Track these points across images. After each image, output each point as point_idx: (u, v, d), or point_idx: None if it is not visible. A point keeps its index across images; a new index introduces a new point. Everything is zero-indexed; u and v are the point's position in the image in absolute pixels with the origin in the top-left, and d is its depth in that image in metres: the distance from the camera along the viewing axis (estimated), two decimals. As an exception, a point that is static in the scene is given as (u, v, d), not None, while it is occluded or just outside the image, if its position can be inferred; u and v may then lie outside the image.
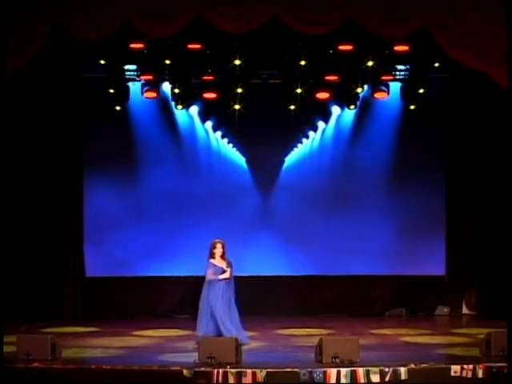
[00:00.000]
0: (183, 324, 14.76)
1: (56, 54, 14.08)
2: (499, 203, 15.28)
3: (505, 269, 15.08)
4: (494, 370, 10.00)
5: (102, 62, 14.84)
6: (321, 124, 16.32)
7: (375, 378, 9.95)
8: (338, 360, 10.23)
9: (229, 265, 11.96)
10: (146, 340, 13.12)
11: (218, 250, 12.00)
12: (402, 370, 10.01)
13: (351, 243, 16.05)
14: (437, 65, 15.14)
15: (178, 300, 16.19)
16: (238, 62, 14.45)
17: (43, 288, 15.26)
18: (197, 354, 10.44)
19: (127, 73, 15.44)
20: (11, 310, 14.32)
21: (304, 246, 16.13)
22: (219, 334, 11.64)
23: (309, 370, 9.96)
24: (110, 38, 12.65)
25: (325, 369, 10.01)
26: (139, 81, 15.48)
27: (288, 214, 16.27)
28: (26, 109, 14.94)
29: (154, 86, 15.37)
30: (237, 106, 15.19)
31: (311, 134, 16.35)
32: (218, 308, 11.79)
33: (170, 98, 15.62)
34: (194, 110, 16.09)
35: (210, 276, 11.89)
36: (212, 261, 11.97)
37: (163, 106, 16.04)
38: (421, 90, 15.27)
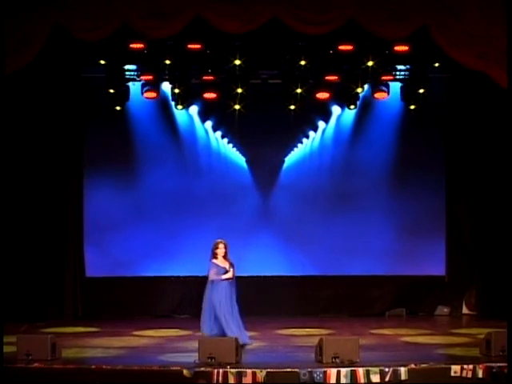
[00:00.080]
0: (183, 324, 14.77)
1: (56, 54, 14.08)
2: (499, 203, 15.27)
3: (505, 269, 15.07)
4: (494, 370, 10.00)
5: (102, 61, 14.84)
6: (321, 124, 16.32)
7: (375, 378, 9.95)
8: (338, 360, 10.23)
9: (231, 265, 11.96)
10: (146, 340, 13.12)
11: (221, 250, 11.98)
12: (402, 370, 10.01)
13: (351, 243, 16.05)
14: (437, 65, 15.15)
15: (178, 300, 16.19)
16: (238, 62, 14.45)
17: (43, 288, 15.27)
18: (197, 353, 10.44)
19: (127, 73, 15.45)
20: (11, 309, 14.32)
21: (304, 246, 16.13)
22: (223, 334, 11.63)
23: (309, 370, 9.96)
24: (110, 38, 12.66)
25: (325, 369, 10.01)
26: (139, 81, 15.48)
27: (288, 213, 16.27)
28: (26, 109, 14.95)
29: (153, 86, 15.37)
30: (237, 106, 15.19)
31: (311, 133, 16.35)
32: (223, 308, 11.77)
33: (170, 97, 15.62)
34: (194, 109, 16.09)
35: (212, 276, 11.88)
36: (215, 261, 11.96)
37: (163, 106, 16.04)
38: (421, 90, 15.28)
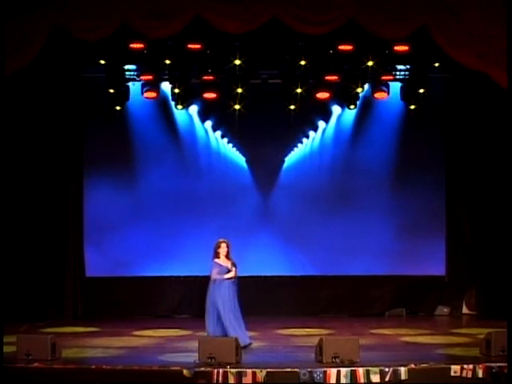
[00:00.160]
0: (183, 324, 14.79)
1: (56, 54, 14.08)
2: (499, 203, 15.28)
3: (505, 269, 15.07)
4: (494, 370, 10.00)
5: (102, 61, 14.84)
6: (321, 124, 16.32)
7: (375, 378, 9.95)
8: (338, 360, 10.23)
9: (233, 264, 11.96)
10: (146, 340, 13.12)
11: (223, 250, 11.99)
12: (402, 369, 10.01)
13: (351, 243, 16.05)
14: (437, 65, 15.14)
15: (178, 300, 16.20)
16: (238, 62, 14.45)
17: (43, 288, 15.27)
18: (197, 353, 10.44)
19: (127, 73, 15.45)
20: (11, 309, 14.31)
21: (304, 246, 16.13)
22: (226, 334, 11.62)
23: (309, 369, 9.96)
24: (110, 38, 12.65)
25: (325, 369, 10.01)
26: (139, 81, 15.48)
27: (288, 213, 16.27)
28: (26, 109, 14.95)
29: (153, 85, 15.37)
30: (237, 106, 15.19)
31: (311, 133, 16.35)
32: (226, 309, 11.78)
33: (170, 97, 15.62)
34: (194, 109, 16.09)
35: (215, 275, 11.88)
36: (217, 260, 11.96)
37: (163, 106, 16.04)
38: (421, 90, 15.27)
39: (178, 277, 16.08)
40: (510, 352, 9.97)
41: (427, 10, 11.86)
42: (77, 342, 12.48)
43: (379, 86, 15.39)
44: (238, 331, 11.67)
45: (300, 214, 16.23)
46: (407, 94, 15.55)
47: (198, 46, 14.18)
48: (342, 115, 16.25)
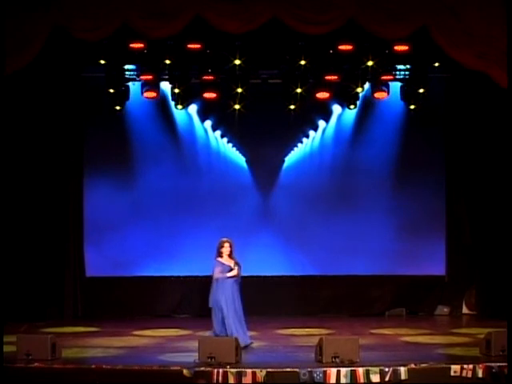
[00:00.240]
0: (183, 324, 14.79)
1: (56, 54, 14.07)
2: (499, 203, 15.27)
3: (505, 269, 15.07)
4: (494, 369, 10.00)
5: (102, 61, 14.83)
6: (321, 123, 16.32)
7: (375, 377, 9.95)
8: (337, 360, 10.23)
9: (236, 264, 11.96)
10: (146, 340, 13.12)
11: (226, 249, 11.99)
12: (402, 369, 10.01)
13: (351, 243, 16.04)
14: (437, 65, 15.14)
15: (178, 300, 16.20)
16: (238, 62, 14.44)
17: (43, 288, 15.27)
18: (197, 353, 10.44)
19: (127, 72, 15.44)
20: (11, 310, 14.30)
21: (304, 246, 16.13)
22: (228, 333, 11.62)
23: (309, 369, 9.97)
24: (110, 38, 12.65)
25: (325, 369, 10.02)
26: (139, 81, 15.48)
27: (288, 213, 16.26)
28: (26, 109, 14.95)
29: (153, 85, 15.36)
30: (237, 106, 15.19)
31: (311, 133, 16.34)
32: (229, 308, 11.78)
33: (170, 97, 15.61)
34: (193, 109, 16.08)
35: (217, 274, 11.89)
36: (219, 259, 11.97)
37: (163, 106, 16.04)
38: (421, 90, 15.27)
39: (178, 277, 16.08)
40: (510, 352, 9.98)
41: (427, 10, 11.86)
42: (77, 342, 12.48)
43: (379, 85, 15.37)
44: (239, 331, 11.67)
45: (300, 214, 16.22)
46: (407, 93, 15.54)
47: (198, 46, 14.18)
48: (342, 115, 16.25)
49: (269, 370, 9.96)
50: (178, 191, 16.17)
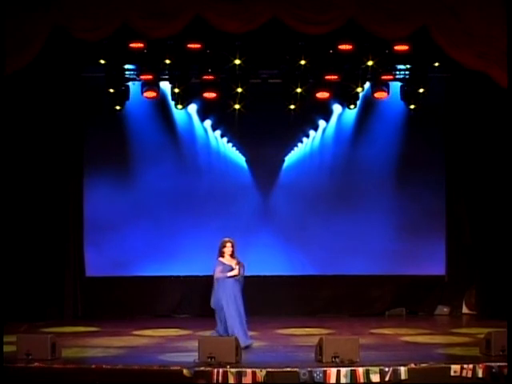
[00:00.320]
0: (183, 323, 14.79)
1: (56, 54, 14.07)
2: (499, 203, 15.27)
3: (505, 269, 15.08)
4: (494, 369, 10.00)
5: (102, 61, 14.83)
6: (321, 123, 16.32)
7: (375, 377, 9.95)
8: (337, 360, 10.23)
9: (238, 264, 11.95)
10: (146, 340, 13.12)
11: (228, 249, 11.99)
12: (402, 369, 10.01)
13: (351, 243, 16.04)
14: (437, 64, 15.14)
15: (178, 300, 16.20)
16: (237, 62, 14.45)
17: (43, 288, 15.27)
18: (197, 353, 10.44)
19: (127, 72, 15.44)
20: (11, 309, 14.30)
21: (304, 246, 16.13)
22: (229, 333, 11.62)
23: (309, 369, 9.97)
24: (110, 37, 12.65)
25: (325, 368, 10.02)
26: (139, 80, 15.48)
27: (288, 213, 16.26)
28: (26, 109, 14.95)
29: (153, 85, 15.36)
30: (237, 106, 15.19)
31: (311, 132, 16.34)
32: (230, 308, 11.78)
33: (170, 97, 15.61)
34: (193, 108, 16.08)
35: (218, 274, 11.89)
36: (221, 259, 11.97)
37: (162, 106, 16.04)
38: (421, 90, 15.27)
39: (178, 276, 16.08)
40: (510, 352, 9.98)
41: (427, 10, 11.86)
42: (77, 342, 12.48)
43: (379, 85, 15.37)
44: (240, 331, 11.66)
45: (300, 214, 16.22)
46: (407, 93, 15.54)
47: (198, 46, 14.18)
48: (343, 114, 16.24)
49: (269, 369, 9.96)
50: (177, 191, 16.16)
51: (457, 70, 13.94)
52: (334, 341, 10.53)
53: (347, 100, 15.66)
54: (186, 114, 16.16)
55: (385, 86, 15.37)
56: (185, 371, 9.96)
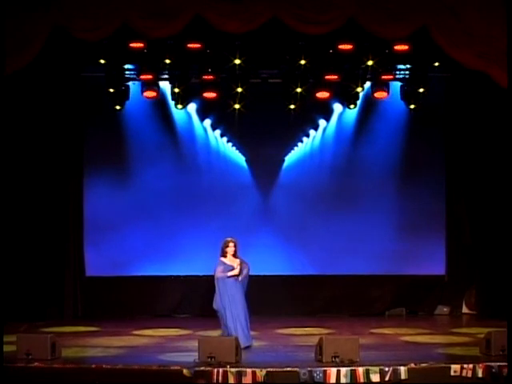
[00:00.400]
0: (183, 323, 14.79)
1: (56, 54, 14.07)
2: (499, 203, 15.27)
3: (505, 269, 15.08)
4: (494, 369, 10.00)
5: (102, 61, 14.83)
6: (322, 122, 16.31)
7: (375, 377, 9.96)
8: (337, 359, 10.23)
9: (241, 263, 11.93)
10: (146, 339, 13.12)
11: (230, 249, 11.96)
12: (402, 369, 10.02)
13: (351, 243, 16.03)
14: (437, 64, 15.13)
15: (178, 299, 16.19)
16: (237, 62, 14.44)
17: (43, 288, 15.27)
18: (197, 353, 10.44)
19: (127, 72, 15.44)
20: (11, 309, 14.30)
21: (304, 246, 16.12)
22: (230, 333, 11.62)
23: (309, 369, 9.97)
24: (109, 37, 12.65)
25: (325, 368, 10.02)
26: (139, 80, 15.47)
27: (288, 213, 16.25)
28: (26, 109, 14.95)
29: (153, 85, 15.36)
30: (237, 106, 15.19)
31: (312, 132, 16.34)
32: (232, 308, 11.76)
33: (170, 97, 15.62)
34: (193, 108, 16.07)
35: (218, 274, 11.88)
36: (223, 259, 11.96)
37: (162, 105, 16.04)
38: (421, 90, 15.27)
39: (178, 276, 16.07)
40: (510, 352, 9.98)
41: (427, 10, 11.85)
42: (77, 342, 12.49)
43: (379, 85, 15.37)
44: (240, 332, 11.65)
45: (300, 214, 16.22)
46: (407, 93, 15.54)
47: (198, 46, 14.17)
48: (343, 114, 16.24)
49: (269, 369, 9.96)
50: (177, 191, 16.16)
51: (457, 69, 13.95)
52: (333, 341, 10.53)
53: (347, 100, 15.66)
54: (186, 114, 16.16)
55: (385, 85, 15.36)
56: (185, 371, 9.96)
